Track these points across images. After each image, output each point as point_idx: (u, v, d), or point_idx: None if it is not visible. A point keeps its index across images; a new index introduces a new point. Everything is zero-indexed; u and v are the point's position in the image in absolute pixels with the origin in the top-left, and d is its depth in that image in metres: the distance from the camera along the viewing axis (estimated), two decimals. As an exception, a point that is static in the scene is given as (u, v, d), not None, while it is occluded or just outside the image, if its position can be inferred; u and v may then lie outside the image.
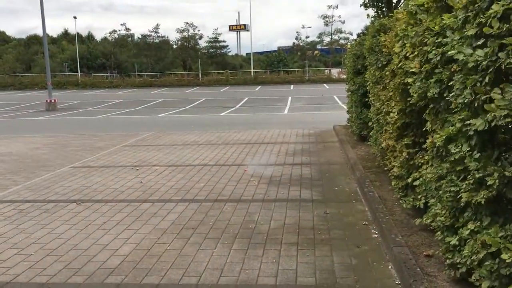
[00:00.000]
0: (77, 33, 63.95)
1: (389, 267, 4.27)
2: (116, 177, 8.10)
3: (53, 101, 25.37)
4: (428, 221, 4.11)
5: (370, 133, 7.87)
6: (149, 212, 6.09)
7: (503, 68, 2.58)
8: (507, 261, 2.44)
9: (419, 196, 4.78)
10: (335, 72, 50.95)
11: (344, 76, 23.02)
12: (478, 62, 2.83)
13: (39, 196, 7.02)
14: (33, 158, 10.29)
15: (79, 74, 53.76)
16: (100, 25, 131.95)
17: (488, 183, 2.77)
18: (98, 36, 77.30)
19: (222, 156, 9.76)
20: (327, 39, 64.62)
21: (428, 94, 3.91)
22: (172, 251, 4.77)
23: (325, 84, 41.89)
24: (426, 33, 4.02)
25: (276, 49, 77.71)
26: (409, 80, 4.41)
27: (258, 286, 3.98)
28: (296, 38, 69.08)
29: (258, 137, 12.31)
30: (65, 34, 75.24)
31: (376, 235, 5.05)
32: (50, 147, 11.88)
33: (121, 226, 5.57)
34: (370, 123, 7.87)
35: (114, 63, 62.80)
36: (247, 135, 12.81)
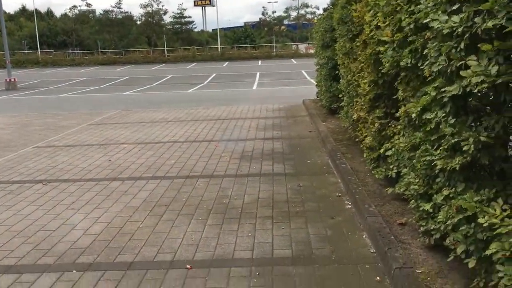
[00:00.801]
0: (36, 9, 61.60)
1: (364, 236, 4.31)
2: (83, 156, 7.87)
3: (12, 80, 24.37)
4: (401, 190, 4.15)
5: (341, 105, 7.88)
6: (119, 190, 5.95)
7: (479, 33, 2.56)
8: (484, 225, 2.47)
9: (391, 166, 4.82)
10: (302, 47, 50.93)
11: (312, 51, 22.97)
12: (454, 28, 2.80)
13: (2, 177, 6.75)
14: (-6, 139, 9.89)
15: (39, 52, 51.80)
16: (60, 1, 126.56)
17: (463, 149, 2.78)
18: (58, 12, 75.03)
19: (192, 133, 9.62)
20: (293, 13, 64.22)
21: (401, 64, 3.89)
22: (145, 229, 4.68)
23: (292, 59, 41.83)
24: (398, 1, 3.97)
25: (242, 24, 76.88)
26: (381, 48, 4.38)
27: (235, 260, 3.95)
28: (263, 14, 68.58)
29: (228, 113, 12.19)
30: (23, 10, 72.29)
31: (350, 206, 5.09)
32: (12, 127, 11.44)
33: (91, 205, 5.42)
34: (340, 96, 7.87)
35: (76, 40, 60.81)
36: (216, 111, 12.67)
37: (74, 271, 3.84)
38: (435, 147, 3.29)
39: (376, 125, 5.21)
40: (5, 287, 3.61)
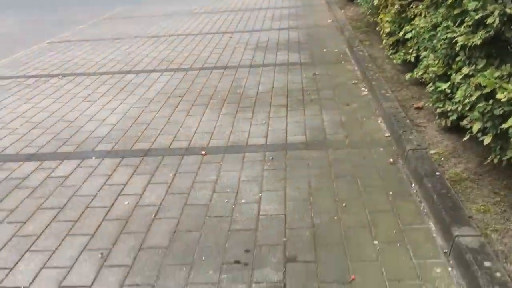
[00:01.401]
0: None
1: (379, 121, 4.27)
2: (96, 51, 7.77)
3: (20, -24, 23.52)
4: (420, 73, 4.02)
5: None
6: (134, 82, 5.93)
7: None
8: (502, 100, 2.38)
9: (410, 50, 4.65)
10: None
11: None
12: None
13: (18, 72, 6.77)
14: (6, 36, 9.78)
15: None
16: None
17: (488, 22, 2.60)
18: None
19: (205, 25, 9.33)
20: None
21: None
22: (160, 119, 4.72)
23: None
24: None
25: None
26: None
27: (249, 146, 4.00)
28: None
29: (242, 4, 11.69)
30: None
31: (366, 93, 5.00)
32: (24, 22, 11.25)
33: (107, 97, 5.45)
34: (360, -21, 7.41)
35: None
36: (230, 2, 12.16)
37: (94, 158, 3.96)
38: (457, 23, 3.10)
39: (396, 6, 4.92)
40: (28, 173, 3.76)
